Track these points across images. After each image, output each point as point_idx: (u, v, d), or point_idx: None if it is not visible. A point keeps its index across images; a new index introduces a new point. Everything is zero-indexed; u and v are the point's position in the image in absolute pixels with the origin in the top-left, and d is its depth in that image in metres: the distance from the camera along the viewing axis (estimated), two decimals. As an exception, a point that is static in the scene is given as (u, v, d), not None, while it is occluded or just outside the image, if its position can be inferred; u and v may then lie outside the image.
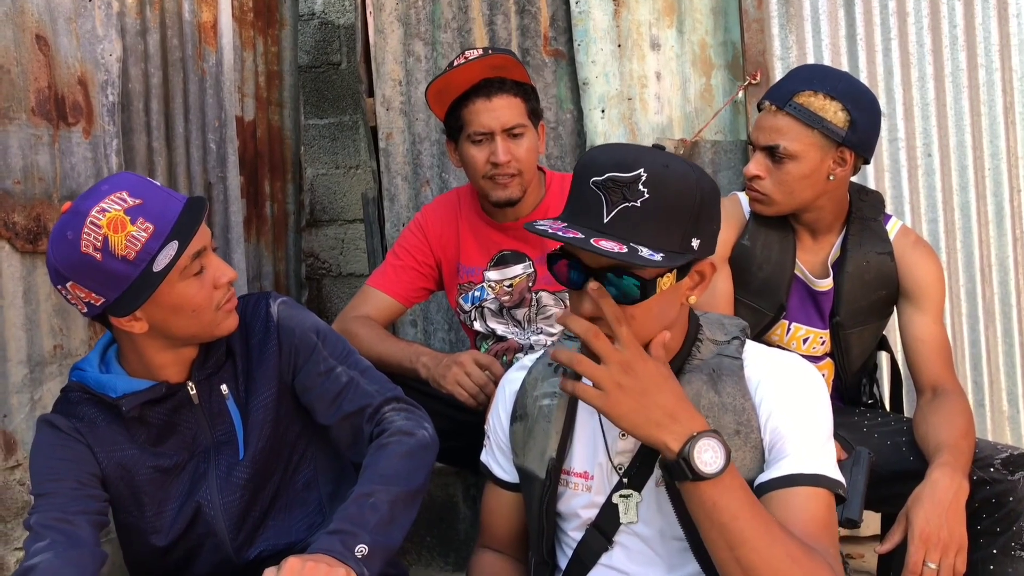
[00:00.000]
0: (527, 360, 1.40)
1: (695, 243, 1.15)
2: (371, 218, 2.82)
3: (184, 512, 1.42)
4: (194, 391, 1.41)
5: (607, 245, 1.09)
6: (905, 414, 1.97)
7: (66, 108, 2.07)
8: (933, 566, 1.41)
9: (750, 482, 1.16)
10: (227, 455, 1.43)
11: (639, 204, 1.12)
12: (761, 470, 1.19)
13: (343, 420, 1.45)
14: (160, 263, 1.28)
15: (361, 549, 1.24)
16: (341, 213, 4.08)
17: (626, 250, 1.10)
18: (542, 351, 1.41)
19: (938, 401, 1.70)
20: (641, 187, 1.12)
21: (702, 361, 1.25)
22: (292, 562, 1.18)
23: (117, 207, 1.27)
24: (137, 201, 1.29)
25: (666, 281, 1.14)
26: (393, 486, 1.33)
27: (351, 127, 4.03)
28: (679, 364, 1.26)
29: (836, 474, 1.19)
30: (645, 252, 1.10)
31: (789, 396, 1.21)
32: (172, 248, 1.29)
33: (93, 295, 1.30)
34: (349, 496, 1.33)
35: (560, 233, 1.11)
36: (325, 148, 4.06)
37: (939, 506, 1.44)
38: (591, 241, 1.10)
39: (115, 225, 1.26)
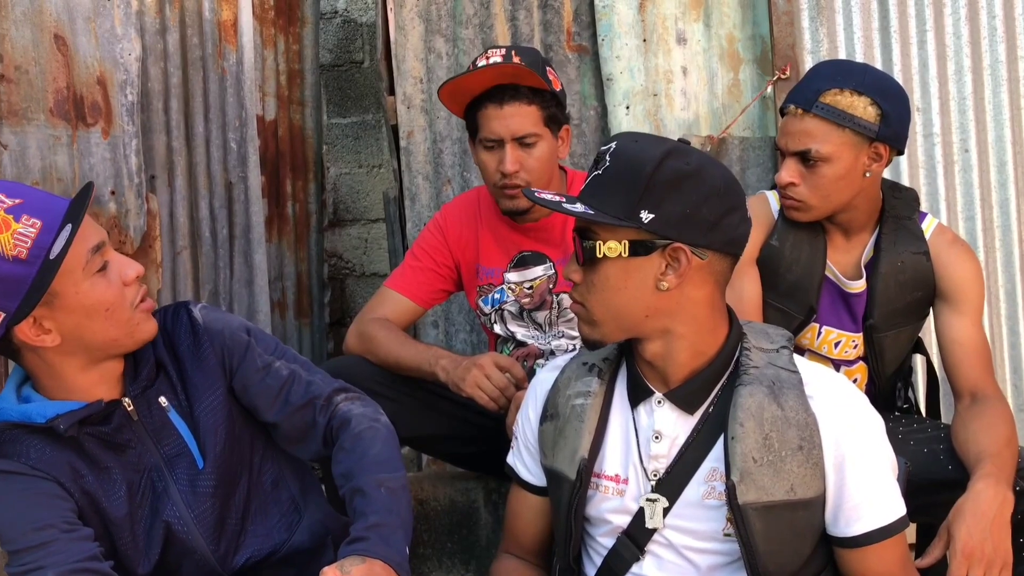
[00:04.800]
0: (560, 360, 1.38)
1: (644, 215, 1.15)
2: (392, 217, 2.80)
3: (155, 535, 1.34)
4: (131, 407, 1.33)
5: (565, 205, 1.19)
6: (942, 420, 1.91)
7: (85, 108, 2.06)
8: (977, 582, 1.35)
9: (812, 500, 1.18)
10: (184, 468, 1.35)
11: (602, 172, 1.19)
12: (822, 488, 1.19)
13: (292, 414, 1.40)
14: (55, 249, 1.20)
15: (406, 540, 1.23)
16: (364, 213, 4.07)
17: (559, 200, 1.20)
18: (575, 352, 1.38)
19: (978, 407, 1.63)
20: (608, 157, 1.20)
21: (758, 370, 1.22)
22: None
23: None
24: (17, 201, 1.21)
25: (612, 248, 1.16)
26: (393, 472, 1.31)
27: (374, 126, 4.01)
28: (722, 369, 1.23)
29: (903, 506, 1.23)
30: (578, 207, 1.17)
31: (860, 440, 1.21)
32: (66, 232, 1.21)
33: None
34: (353, 486, 1.30)
35: (536, 194, 1.23)
36: (348, 147, 4.04)
37: (983, 519, 1.38)
38: (553, 200, 1.21)
39: None
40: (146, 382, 1.36)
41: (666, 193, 1.15)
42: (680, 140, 1.23)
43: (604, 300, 1.20)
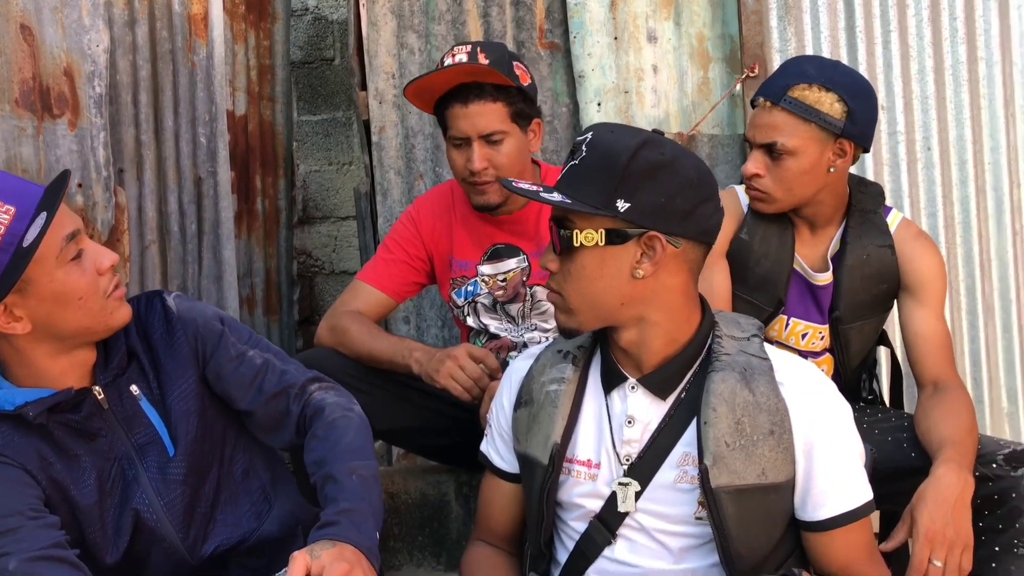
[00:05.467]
0: (535, 349, 1.39)
1: (621, 204, 1.16)
2: (363, 213, 2.79)
3: (124, 523, 1.33)
4: (102, 396, 1.32)
5: (543, 194, 1.20)
6: (905, 410, 1.95)
7: (51, 99, 2.03)
8: (939, 564, 1.38)
9: (783, 484, 1.21)
10: (155, 455, 1.35)
11: (578, 162, 1.20)
12: (792, 472, 1.21)
13: (267, 402, 1.40)
14: (29, 237, 1.19)
15: (376, 528, 1.23)
16: (334, 210, 4.05)
17: (536, 189, 1.22)
18: (551, 340, 1.39)
19: (940, 396, 1.67)
20: (584, 148, 1.21)
21: (729, 357, 1.23)
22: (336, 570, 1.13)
23: None
24: None
25: (589, 237, 1.18)
26: (366, 460, 1.31)
27: (344, 123, 4.00)
28: (694, 355, 1.25)
29: (869, 491, 1.25)
30: (556, 196, 1.19)
31: (829, 426, 1.23)
32: (40, 219, 1.19)
33: None
34: (325, 472, 1.29)
35: (514, 183, 1.24)
36: (318, 144, 4.02)
37: (944, 503, 1.41)
38: (531, 189, 1.23)
39: None
40: (117, 370, 1.35)
41: (641, 182, 1.17)
42: (654, 131, 1.24)
43: (580, 288, 1.21)
